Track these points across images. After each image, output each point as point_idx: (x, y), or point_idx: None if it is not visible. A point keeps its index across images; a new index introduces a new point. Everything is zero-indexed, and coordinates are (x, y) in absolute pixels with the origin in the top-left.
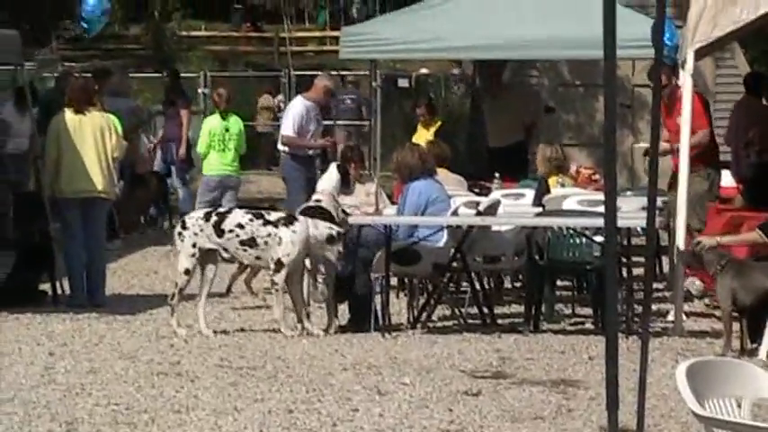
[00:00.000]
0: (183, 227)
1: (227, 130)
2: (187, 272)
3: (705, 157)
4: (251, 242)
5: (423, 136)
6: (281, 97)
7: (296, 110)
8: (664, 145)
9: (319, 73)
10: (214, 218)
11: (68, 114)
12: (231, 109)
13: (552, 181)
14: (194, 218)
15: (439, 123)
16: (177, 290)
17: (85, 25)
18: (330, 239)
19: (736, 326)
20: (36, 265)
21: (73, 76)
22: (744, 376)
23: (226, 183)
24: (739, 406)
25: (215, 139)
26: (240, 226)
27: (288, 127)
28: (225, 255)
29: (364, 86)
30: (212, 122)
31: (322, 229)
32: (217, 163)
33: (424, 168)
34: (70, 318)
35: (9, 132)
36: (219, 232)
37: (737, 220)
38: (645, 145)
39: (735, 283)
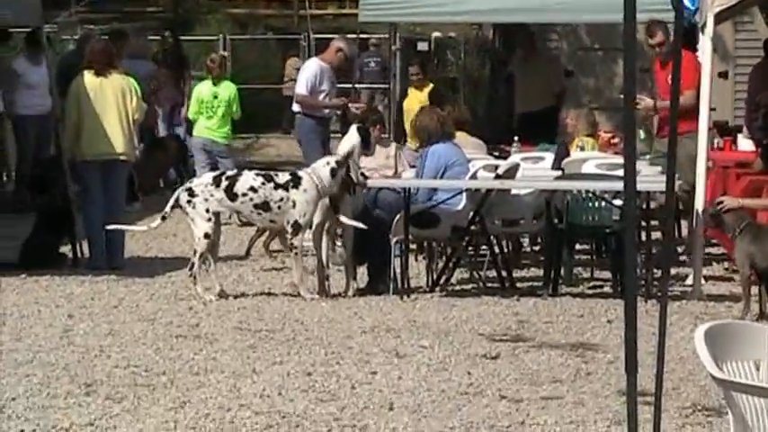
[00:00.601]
0: (192, 194)
1: (215, 96)
2: (207, 236)
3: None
4: (265, 206)
5: (415, 99)
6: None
7: (310, 70)
8: (647, 101)
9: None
10: (225, 182)
11: (89, 77)
12: (224, 75)
13: (587, 140)
14: (202, 184)
15: (431, 86)
16: (198, 256)
17: None
18: (333, 173)
19: (755, 290)
20: (56, 228)
21: (93, 39)
22: (762, 339)
23: (211, 148)
24: (758, 369)
25: (203, 106)
26: (253, 189)
27: (301, 86)
28: (241, 218)
29: (386, 49)
30: (202, 89)
31: (323, 172)
32: (202, 128)
33: (443, 132)
34: (89, 280)
35: (30, 92)
36: (233, 196)
37: (757, 184)
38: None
39: (753, 247)
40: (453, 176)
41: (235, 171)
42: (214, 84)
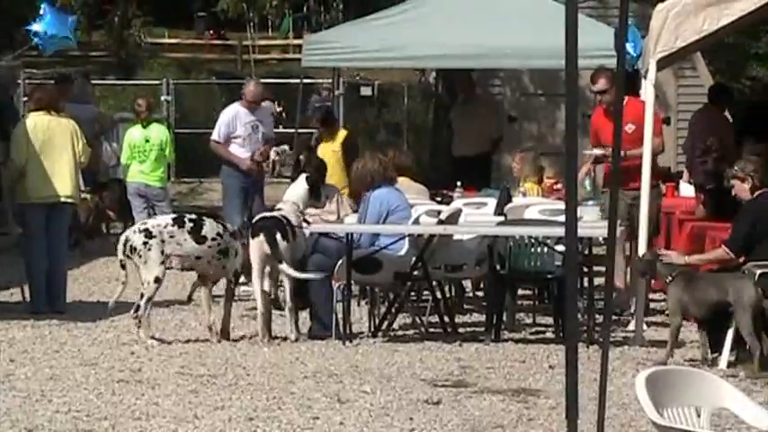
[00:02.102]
0: (148, 235)
1: (146, 140)
2: (157, 280)
3: (657, 170)
4: (224, 252)
5: (327, 149)
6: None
7: (223, 115)
8: (596, 152)
9: (286, 81)
10: (189, 224)
11: (37, 118)
12: (152, 118)
13: (530, 188)
14: (161, 225)
15: (345, 133)
16: (145, 300)
17: (40, 42)
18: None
19: (694, 335)
20: None
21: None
22: (703, 385)
23: (146, 192)
24: (698, 415)
25: (135, 150)
26: (219, 235)
27: (214, 132)
28: (186, 263)
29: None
30: (132, 134)
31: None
32: (136, 172)
33: (385, 176)
34: (31, 324)
35: None
36: (200, 239)
37: (700, 230)
38: (592, 152)
39: (684, 295)
40: (396, 221)
41: (194, 215)
42: (144, 127)
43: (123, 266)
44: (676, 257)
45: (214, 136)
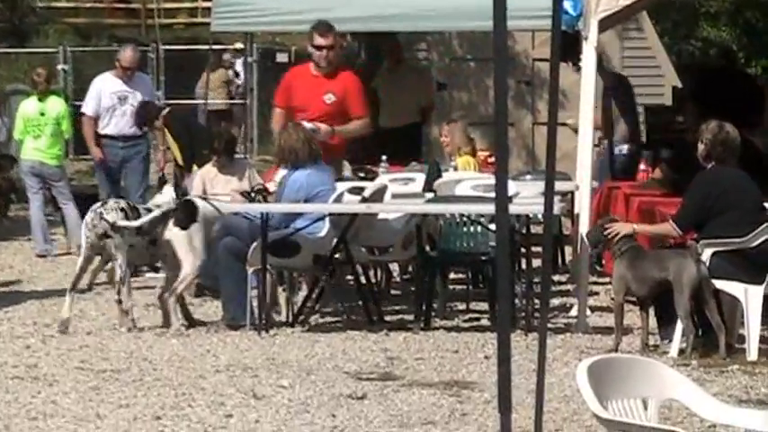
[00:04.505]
0: (126, 216)
1: (42, 113)
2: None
3: None
4: (154, 242)
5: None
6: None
7: (92, 86)
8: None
9: (194, 47)
10: (130, 212)
11: None
12: (51, 90)
13: (464, 162)
14: (129, 206)
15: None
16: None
17: None
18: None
19: (637, 320)
20: None
21: None
22: (650, 375)
23: (41, 171)
24: (646, 407)
25: (30, 124)
26: (154, 224)
27: (84, 105)
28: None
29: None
30: (27, 106)
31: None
32: (30, 149)
33: (310, 151)
34: None
35: None
36: (138, 228)
37: (649, 206)
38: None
39: (629, 272)
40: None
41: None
42: (40, 100)
43: (91, 247)
44: (622, 226)
45: (84, 109)
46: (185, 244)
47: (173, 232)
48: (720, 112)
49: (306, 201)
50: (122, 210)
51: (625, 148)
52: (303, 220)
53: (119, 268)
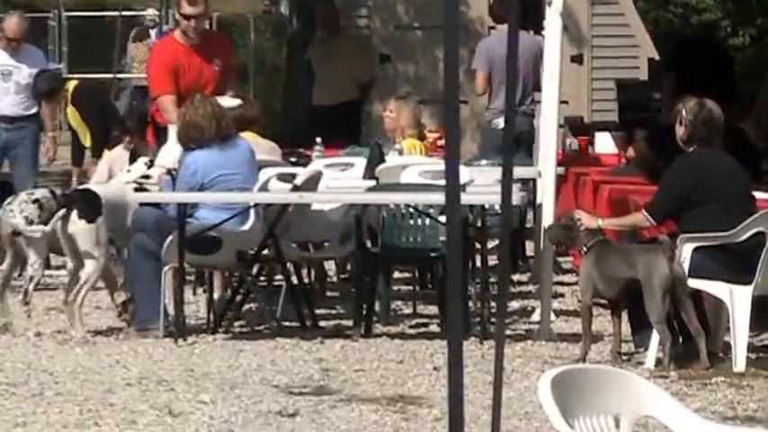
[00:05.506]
0: (41, 207)
1: None
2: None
3: None
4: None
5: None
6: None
7: None
8: None
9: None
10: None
11: None
12: None
13: (411, 145)
14: (47, 197)
15: (75, 84)
16: (34, 285)
17: None
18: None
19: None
20: None
21: None
22: (623, 388)
23: None
24: (618, 426)
25: None
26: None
27: None
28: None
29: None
30: None
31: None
32: None
33: (218, 130)
34: None
35: None
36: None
37: (621, 196)
38: None
39: (594, 270)
40: (225, 189)
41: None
42: None
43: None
44: (587, 219)
45: None
46: (90, 240)
47: (77, 225)
48: (698, 88)
49: (201, 187)
50: (35, 201)
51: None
52: (223, 211)
53: (31, 266)
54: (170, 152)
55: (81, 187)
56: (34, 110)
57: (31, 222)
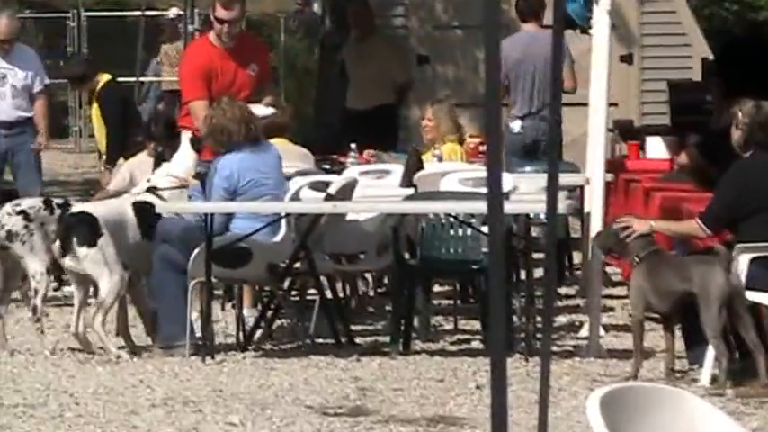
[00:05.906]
0: (27, 218)
1: None
2: (49, 271)
3: None
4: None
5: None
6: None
7: None
8: None
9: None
10: (58, 210)
11: None
12: None
13: (451, 150)
14: (35, 207)
15: (106, 80)
16: (40, 298)
17: None
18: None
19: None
20: None
21: None
22: (677, 407)
23: None
24: None
25: None
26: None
27: None
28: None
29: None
30: None
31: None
32: None
33: (247, 133)
34: None
35: None
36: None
37: (674, 203)
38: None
39: (647, 283)
40: (255, 197)
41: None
42: None
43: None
44: (638, 223)
45: None
46: (97, 262)
47: (79, 252)
48: (749, 90)
49: (235, 192)
50: (21, 213)
51: None
52: (253, 221)
53: (32, 278)
54: (182, 160)
55: (75, 210)
56: (33, 112)
57: (14, 236)
